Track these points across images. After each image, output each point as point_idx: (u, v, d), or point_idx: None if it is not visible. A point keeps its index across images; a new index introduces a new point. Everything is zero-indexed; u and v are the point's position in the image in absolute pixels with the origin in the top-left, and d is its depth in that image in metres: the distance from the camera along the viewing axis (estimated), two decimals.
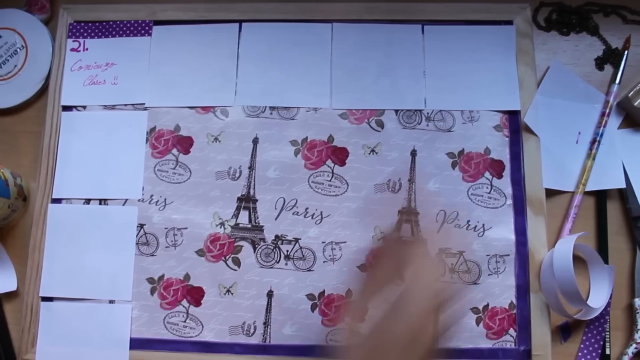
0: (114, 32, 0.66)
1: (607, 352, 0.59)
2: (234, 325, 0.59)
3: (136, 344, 0.59)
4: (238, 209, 0.61)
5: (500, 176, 0.61)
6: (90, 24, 0.66)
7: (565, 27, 0.66)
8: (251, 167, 0.61)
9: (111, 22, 0.66)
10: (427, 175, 0.61)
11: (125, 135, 0.63)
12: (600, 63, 0.65)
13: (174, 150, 0.62)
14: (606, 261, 0.60)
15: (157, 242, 0.61)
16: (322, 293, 0.59)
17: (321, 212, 0.60)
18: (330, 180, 0.61)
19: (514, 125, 0.62)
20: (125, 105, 0.64)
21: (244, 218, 0.61)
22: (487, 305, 0.58)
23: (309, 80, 0.63)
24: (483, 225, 0.60)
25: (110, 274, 0.60)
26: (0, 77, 0.66)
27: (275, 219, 0.60)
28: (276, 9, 0.65)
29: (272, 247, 0.60)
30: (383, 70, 0.63)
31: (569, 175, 0.62)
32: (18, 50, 0.66)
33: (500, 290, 0.59)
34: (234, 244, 0.60)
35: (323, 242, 0.60)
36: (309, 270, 0.59)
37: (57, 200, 0.62)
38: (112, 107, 0.64)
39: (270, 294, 0.59)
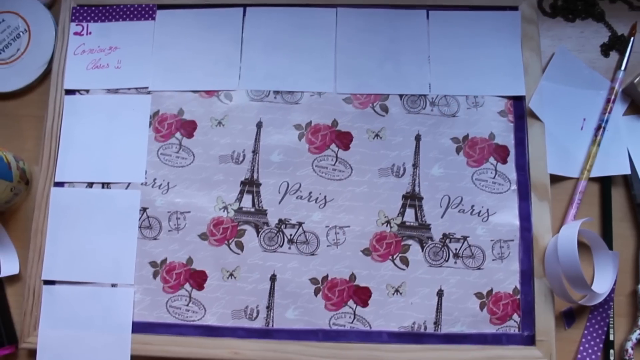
0: (117, 16, 0.65)
1: (611, 338, 0.59)
2: (237, 309, 0.59)
3: (138, 327, 0.59)
4: (241, 192, 0.61)
5: (504, 161, 0.61)
6: (93, 8, 0.66)
7: (570, 14, 0.66)
8: (255, 151, 0.61)
9: (115, 6, 0.66)
10: (431, 160, 0.60)
11: (128, 119, 0.63)
12: (605, 49, 0.65)
13: (178, 134, 0.62)
14: (610, 247, 0.60)
15: (160, 225, 0.60)
16: (325, 277, 0.59)
17: (325, 197, 0.60)
18: (334, 165, 0.61)
19: (519, 110, 0.62)
20: (129, 89, 0.64)
21: (247, 202, 0.60)
22: (491, 290, 0.58)
23: (313, 64, 0.63)
24: (487, 210, 0.59)
25: (112, 258, 0.60)
26: (2, 61, 0.66)
27: (279, 203, 0.60)
28: None
29: (275, 231, 0.60)
30: (388, 55, 0.63)
31: (573, 161, 0.62)
32: (21, 33, 0.66)
33: (505, 276, 0.58)
34: (237, 227, 0.60)
35: (327, 226, 0.59)
36: (312, 255, 0.59)
37: (60, 184, 0.62)
38: (116, 91, 0.64)
39: (273, 278, 0.59)
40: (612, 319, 0.59)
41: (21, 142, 0.65)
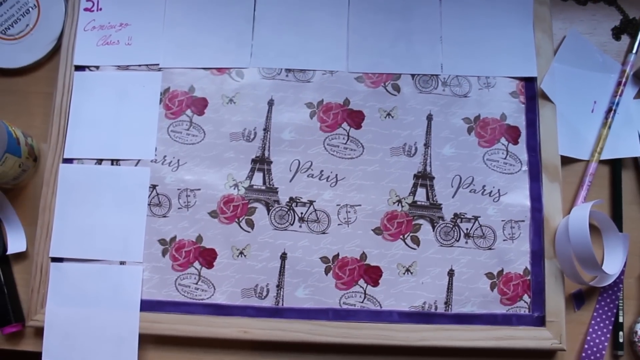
0: None
1: (621, 320, 0.59)
2: (247, 288, 0.58)
3: (147, 305, 0.58)
4: (252, 170, 0.60)
5: (516, 142, 0.60)
6: None
7: None
8: (266, 129, 0.61)
9: None
10: (442, 139, 0.60)
11: (138, 96, 0.62)
12: (617, 33, 0.65)
13: (188, 111, 0.62)
14: (620, 230, 0.60)
15: (170, 203, 0.60)
16: (336, 256, 0.58)
17: (336, 175, 0.60)
18: (345, 143, 0.60)
19: (530, 92, 0.61)
20: (139, 65, 0.63)
21: (258, 180, 0.60)
22: (502, 270, 0.58)
23: (326, 43, 0.63)
24: (498, 190, 0.59)
25: (121, 235, 0.60)
26: (12, 37, 0.65)
27: (290, 181, 0.60)
28: None
29: (286, 209, 0.59)
30: (400, 35, 0.63)
31: (584, 144, 0.62)
32: (30, 9, 0.65)
33: (515, 256, 0.58)
34: (247, 205, 0.60)
35: (338, 205, 0.59)
36: (323, 233, 0.59)
37: (69, 160, 0.61)
38: (126, 68, 0.63)
39: (283, 257, 0.59)
40: (621, 301, 0.59)
41: (30, 119, 0.64)
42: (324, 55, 0.62)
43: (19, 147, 0.59)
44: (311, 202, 0.59)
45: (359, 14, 0.63)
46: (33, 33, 0.65)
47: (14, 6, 0.65)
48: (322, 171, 0.60)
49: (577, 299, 0.59)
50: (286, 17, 0.63)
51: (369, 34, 0.63)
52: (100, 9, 0.65)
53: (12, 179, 0.61)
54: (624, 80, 0.62)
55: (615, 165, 0.62)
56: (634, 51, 0.63)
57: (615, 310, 0.59)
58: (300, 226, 0.59)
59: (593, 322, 0.59)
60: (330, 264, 0.58)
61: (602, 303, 0.59)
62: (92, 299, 0.59)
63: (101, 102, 0.62)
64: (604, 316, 0.59)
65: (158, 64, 0.63)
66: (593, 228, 0.60)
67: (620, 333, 0.58)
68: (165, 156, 0.61)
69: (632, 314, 0.59)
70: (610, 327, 0.59)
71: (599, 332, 0.58)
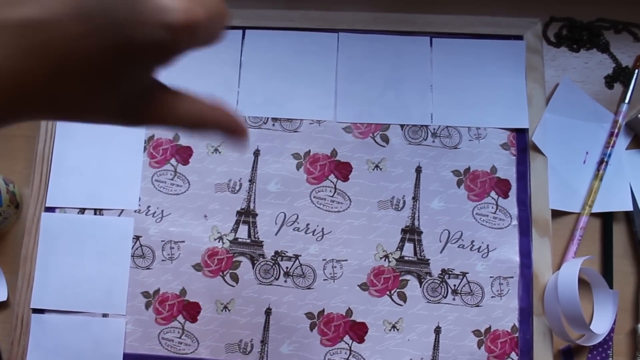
0: None
1: None
2: (231, 343, 0.57)
3: (130, 359, 0.57)
4: (237, 223, 0.59)
5: (506, 196, 0.60)
6: None
7: (575, 44, 0.65)
8: (252, 180, 0.60)
9: None
10: (431, 193, 0.59)
11: (122, 144, 0.61)
12: (610, 81, 0.64)
13: (173, 160, 0.61)
14: (611, 284, 0.59)
15: (153, 255, 0.59)
16: (321, 312, 0.58)
17: (322, 229, 0.59)
18: (332, 196, 0.59)
19: (522, 143, 0.61)
20: None
21: (243, 232, 0.59)
22: (489, 328, 0.57)
23: (313, 91, 0.61)
24: (487, 246, 0.59)
25: (104, 287, 0.59)
26: None
27: (276, 234, 0.59)
28: (281, 17, 0.63)
29: (271, 264, 0.58)
30: (390, 83, 0.61)
31: (575, 196, 0.61)
32: None
33: (503, 313, 0.58)
34: (232, 259, 0.59)
35: (324, 260, 0.58)
36: (309, 288, 0.58)
37: (51, 209, 0.60)
38: None
39: (268, 312, 0.58)
40: (611, 358, 0.58)
41: (12, 164, 0.63)
42: (311, 103, 0.61)
43: None
44: (297, 257, 0.58)
45: (348, 61, 0.62)
46: None
47: None
48: (308, 224, 0.59)
49: (566, 356, 0.59)
50: (273, 64, 0.62)
51: (358, 82, 0.62)
52: None
53: None
54: (616, 130, 0.61)
55: (606, 219, 0.61)
56: (627, 101, 0.62)
57: None
58: (286, 281, 0.58)
59: None
60: (315, 320, 0.57)
61: None
62: (74, 352, 0.58)
63: (84, 149, 0.61)
64: None
65: None
66: (583, 283, 0.59)
67: None
68: (149, 206, 0.60)
69: None
70: None
71: None
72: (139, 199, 0.60)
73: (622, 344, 0.59)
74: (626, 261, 0.61)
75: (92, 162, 0.61)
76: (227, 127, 0.31)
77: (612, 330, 0.58)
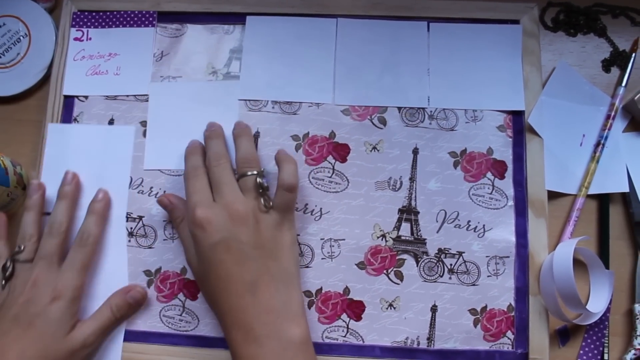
0: (117, 22, 0.65)
1: (606, 357, 0.58)
2: None
3: (131, 336, 0.59)
4: None
5: (502, 177, 0.60)
6: (94, 14, 0.66)
7: (572, 28, 0.65)
8: None
9: (115, 12, 0.65)
10: (428, 174, 0.60)
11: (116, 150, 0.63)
12: (607, 65, 0.64)
13: None
14: (607, 266, 0.60)
15: (155, 234, 0.60)
16: (319, 290, 0.59)
17: (320, 209, 0.60)
18: (330, 177, 0.60)
19: (518, 125, 0.61)
20: (127, 96, 0.63)
21: None
22: (485, 307, 0.58)
23: (313, 75, 0.63)
24: (484, 226, 0.59)
25: (105, 268, 0.60)
26: (2, 65, 0.66)
27: None
28: (281, 3, 0.65)
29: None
30: (387, 67, 0.62)
31: (571, 178, 0.61)
32: (21, 38, 0.66)
33: (499, 292, 0.58)
34: None
35: (322, 239, 0.59)
36: (307, 267, 0.59)
37: None
38: (114, 98, 0.64)
39: None
40: (607, 339, 0.59)
41: (20, 147, 0.65)
42: (310, 87, 0.62)
43: (7, 177, 0.60)
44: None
45: (347, 45, 0.63)
46: (24, 62, 0.65)
47: (5, 35, 0.66)
48: (306, 204, 0.60)
49: (562, 336, 0.59)
50: (273, 49, 0.63)
51: (356, 66, 0.63)
52: (90, 39, 0.65)
53: (1, 208, 0.61)
54: (613, 113, 0.62)
55: (603, 200, 0.61)
56: (623, 84, 0.63)
57: (601, 348, 0.59)
58: None
59: (579, 359, 0.58)
60: (313, 298, 0.58)
61: (588, 340, 0.59)
62: None
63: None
64: (590, 354, 0.58)
65: (146, 95, 0.63)
66: (580, 264, 0.60)
67: None
68: (151, 187, 0.61)
69: (618, 351, 0.59)
70: None
71: None
72: (142, 180, 0.61)
73: (619, 324, 0.59)
74: (622, 242, 0.61)
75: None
76: None
77: (608, 310, 0.59)
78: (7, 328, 0.52)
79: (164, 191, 0.61)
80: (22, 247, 0.56)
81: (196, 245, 0.53)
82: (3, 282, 0.55)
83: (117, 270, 0.60)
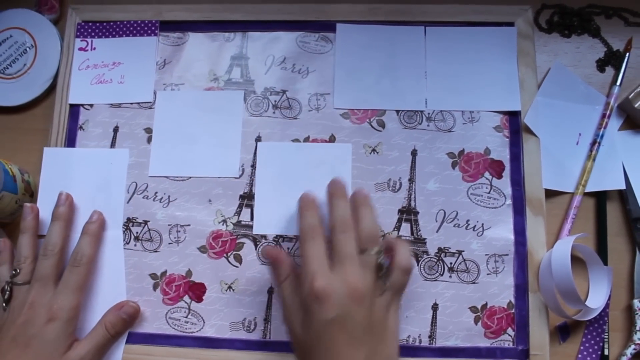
0: (121, 32, 0.67)
1: (606, 353, 0.59)
2: (235, 322, 0.60)
3: (138, 338, 0.60)
4: (240, 206, 0.62)
5: (500, 176, 0.61)
6: (98, 24, 0.67)
7: (566, 29, 0.66)
8: (253, 165, 0.62)
9: (118, 22, 0.67)
10: (427, 174, 0.61)
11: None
12: (601, 65, 0.65)
13: None
14: (605, 262, 0.61)
15: (161, 238, 0.62)
16: None
17: None
18: None
19: (514, 126, 0.62)
20: (131, 103, 0.65)
21: (246, 216, 0.61)
22: (486, 304, 0.59)
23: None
24: (482, 224, 0.60)
25: (103, 288, 0.61)
26: (10, 76, 0.67)
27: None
28: (280, 10, 0.66)
29: (273, 245, 0.60)
30: (385, 71, 0.64)
31: (568, 176, 0.62)
32: (27, 49, 0.68)
33: (499, 290, 0.59)
34: (235, 241, 0.61)
35: None
36: None
37: None
38: (119, 106, 0.65)
39: (270, 291, 0.60)
40: (607, 334, 0.59)
41: (26, 155, 0.66)
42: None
43: (15, 184, 0.61)
44: (297, 237, 0.60)
45: (345, 49, 0.64)
46: (30, 72, 0.67)
47: (12, 46, 0.67)
48: None
49: (562, 332, 0.60)
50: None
51: (355, 70, 0.64)
52: (94, 49, 0.67)
53: (9, 215, 0.63)
54: (608, 112, 0.63)
55: (600, 198, 0.62)
56: (618, 83, 0.64)
57: (601, 343, 0.59)
58: None
59: (580, 355, 0.59)
60: None
61: (589, 336, 0.59)
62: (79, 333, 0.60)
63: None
64: (590, 349, 0.59)
65: (150, 102, 0.65)
66: (579, 260, 0.61)
67: None
68: (156, 192, 0.62)
69: (618, 346, 0.60)
70: None
71: None
72: (147, 185, 0.63)
73: (618, 320, 0.60)
74: (620, 239, 0.62)
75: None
76: None
77: (607, 306, 0.59)
78: (5, 349, 0.53)
79: (168, 196, 0.62)
80: (19, 270, 0.57)
81: (307, 315, 0.49)
82: (4, 304, 0.57)
83: (115, 290, 0.61)
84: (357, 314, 0.47)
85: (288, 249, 0.60)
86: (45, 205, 0.62)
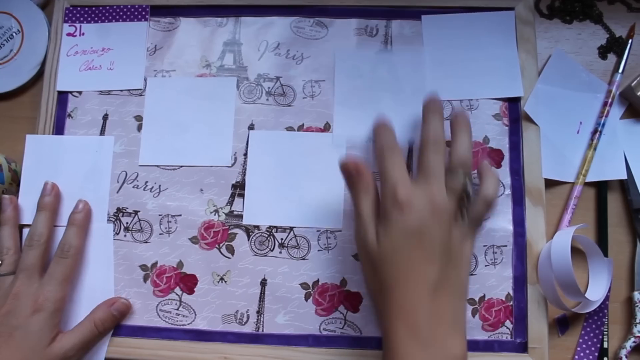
0: (110, 17, 0.65)
1: (605, 345, 0.58)
2: (227, 314, 0.58)
3: (129, 331, 0.58)
4: (232, 196, 0.60)
5: (499, 165, 0.60)
6: (86, 9, 0.65)
7: (568, 15, 0.65)
8: (246, 154, 0.61)
9: (107, 7, 0.65)
10: None
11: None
12: (603, 52, 0.64)
13: None
14: (606, 253, 0.59)
15: (151, 229, 0.60)
16: (316, 282, 0.58)
17: None
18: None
19: (514, 114, 0.61)
20: (121, 90, 0.63)
21: (238, 205, 0.60)
22: (484, 296, 0.58)
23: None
24: None
25: (90, 280, 0.60)
26: None
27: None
28: None
29: (266, 236, 0.59)
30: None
31: (569, 166, 0.61)
32: (14, 34, 0.66)
33: (497, 282, 0.58)
34: (228, 231, 0.59)
35: (318, 231, 0.59)
36: (303, 259, 0.59)
37: None
38: (108, 93, 0.63)
39: (263, 283, 0.59)
40: (606, 327, 0.58)
41: (13, 144, 0.65)
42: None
43: (1, 174, 0.60)
44: (291, 228, 0.59)
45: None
46: (17, 58, 0.65)
47: None
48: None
49: (561, 324, 0.59)
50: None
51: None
52: (83, 34, 0.65)
53: None
54: (610, 100, 0.61)
55: (601, 188, 0.61)
56: (620, 71, 0.62)
57: (601, 336, 0.58)
58: (280, 252, 0.59)
59: (579, 348, 0.58)
60: (310, 290, 0.58)
61: (588, 329, 0.58)
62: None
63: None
64: (589, 342, 0.58)
65: (140, 89, 0.63)
66: (578, 252, 0.59)
67: (605, 359, 0.58)
68: (146, 182, 0.61)
69: (617, 339, 0.59)
70: (596, 354, 0.58)
71: (585, 359, 0.58)
72: (137, 174, 0.61)
73: (618, 312, 0.59)
74: (621, 230, 0.60)
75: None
76: None
77: (607, 298, 0.58)
78: None
79: (159, 186, 0.61)
80: (1, 261, 0.56)
81: (386, 226, 0.47)
82: None
83: (103, 281, 0.59)
84: (435, 231, 0.47)
85: (282, 239, 0.59)
86: (28, 194, 0.60)
